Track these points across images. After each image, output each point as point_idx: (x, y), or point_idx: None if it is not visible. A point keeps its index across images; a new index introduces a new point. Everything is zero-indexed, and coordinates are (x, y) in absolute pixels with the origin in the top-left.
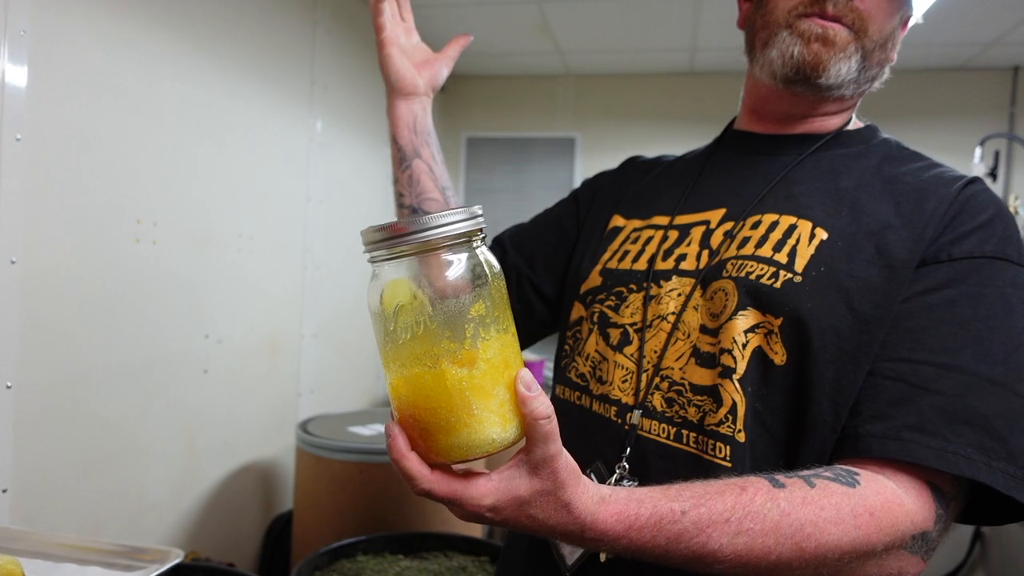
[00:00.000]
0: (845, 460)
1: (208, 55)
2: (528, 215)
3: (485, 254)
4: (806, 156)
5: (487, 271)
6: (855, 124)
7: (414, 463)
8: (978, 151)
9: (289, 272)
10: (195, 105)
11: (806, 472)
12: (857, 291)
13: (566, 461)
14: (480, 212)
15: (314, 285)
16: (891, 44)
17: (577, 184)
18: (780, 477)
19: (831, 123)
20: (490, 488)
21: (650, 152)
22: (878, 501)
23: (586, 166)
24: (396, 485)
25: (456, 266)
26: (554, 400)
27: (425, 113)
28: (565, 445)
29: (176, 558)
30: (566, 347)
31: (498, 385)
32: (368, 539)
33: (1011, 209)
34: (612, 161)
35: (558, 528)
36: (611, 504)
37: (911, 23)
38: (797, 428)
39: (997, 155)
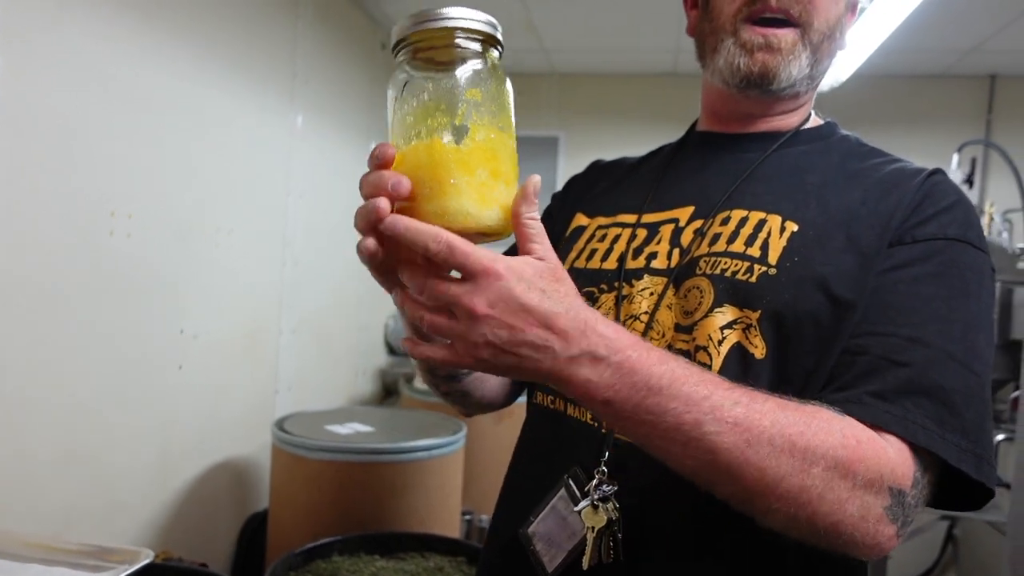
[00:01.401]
0: None
1: (188, 46)
2: None
3: (498, 66)
4: (771, 153)
5: (492, 74)
6: (814, 121)
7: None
8: (955, 157)
9: (268, 267)
10: (174, 96)
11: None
12: (833, 277)
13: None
14: (497, 26)
15: (293, 280)
16: (839, 32)
17: (560, 183)
18: (778, 397)
19: (790, 120)
20: (504, 257)
21: (633, 152)
22: (865, 435)
23: (569, 165)
24: (373, 485)
25: (464, 53)
26: (532, 406)
27: None
28: (543, 451)
29: (145, 559)
30: None
31: (481, 167)
32: (344, 539)
33: (987, 215)
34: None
35: (567, 314)
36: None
37: (860, 6)
38: None
39: (974, 162)
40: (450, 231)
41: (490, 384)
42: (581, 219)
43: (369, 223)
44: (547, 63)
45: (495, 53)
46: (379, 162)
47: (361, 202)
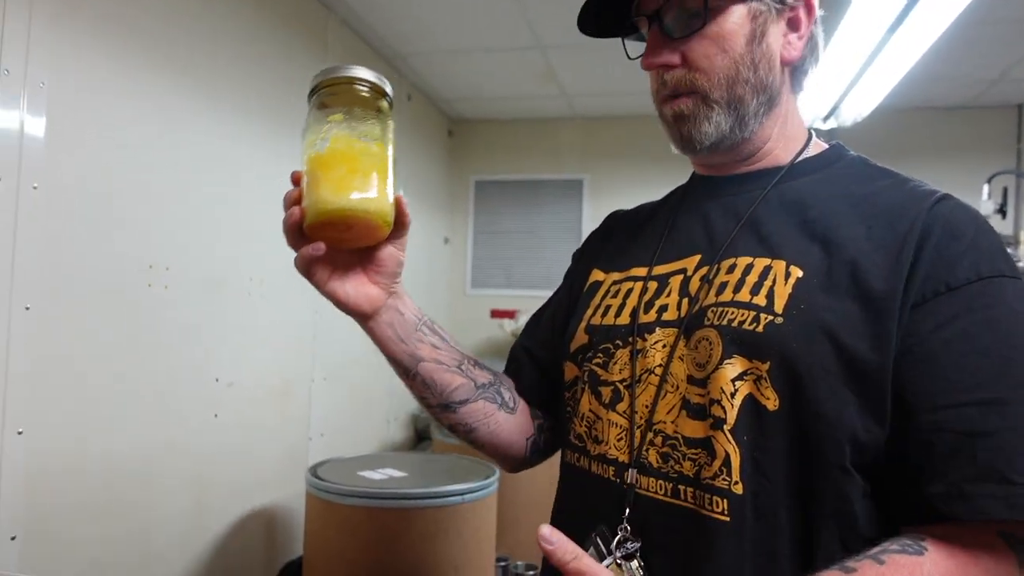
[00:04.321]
0: (912, 527)
1: (222, 106)
2: (537, 256)
3: (362, 97)
4: (769, 190)
5: (358, 102)
6: (816, 147)
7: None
8: (986, 188)
9: (299, 316)
10: (207, 152)
11: (873, 550)
12: (838, 324)
13: None
14: (364, 77)
15: (324, 328)
16: (750, 67)
17: (585, 225)
18: (849, 563)
19: (784, 154)
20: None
21: (654, 194)
22: (951, 564)
23: (594, 207)
24: (407, 530)
25: (325, 95)
26: (563, 464)
27: (402, 313)
28: (575, 509)
29: None
30: (568, 408)
31: (339, 166)
32: None
33: (1022, 245)
34: (619, 202)
35: None
36: None
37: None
38: (803, 472)
39: (1005, 192)
40: (321, 218)
41: (499, 423)
42: (597, 275)
43: (289, 230)
44: (569, 108)
45: (353, 88)
46: (293, 180)
47: None
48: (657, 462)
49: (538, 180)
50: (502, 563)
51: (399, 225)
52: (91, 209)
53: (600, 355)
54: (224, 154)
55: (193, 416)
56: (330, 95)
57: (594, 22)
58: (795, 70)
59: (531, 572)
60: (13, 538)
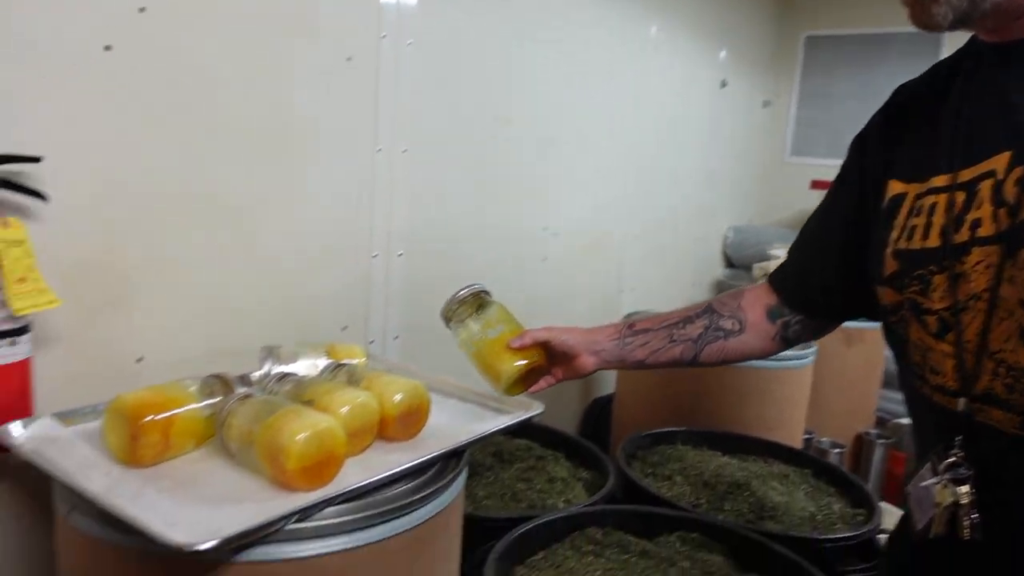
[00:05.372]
0: None
1: None
2: None
3: (479, 304)
4: None
5: (477, 312)
6: None
7: None
8: None
9: (618, 175)
10: (545, 15)
11: None
12: None
13: None
14: (465, 295)
15: (639, 188)
16: None
17: None
18: None
19: None
20: None
21: None
22: None
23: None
24: (718, 386)
25: (456, 312)
26: (904, 384)
27: (604, 349)
28: (919, 428)
29: (537, 409)
30: (898, 332)
31: (480, 363)
32: (688, 431)
33: None
34: None
35: None
36: None
37: None
38: None
39: None
40: (504, 392)
41: (735, 347)
42: (896, 187)
43: None
44: None
45: (473, 301)
46: None
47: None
48: (1004, 393)
49: (884, 34)
50: (808, 436)
51: (543, 345)
52: (452, 65)
53: (915, 282)
54: (559, 15)
55: (527, 259)
56: (450, 318)
57: None
58: None
59: (836, 450)
60: (396, 337)
